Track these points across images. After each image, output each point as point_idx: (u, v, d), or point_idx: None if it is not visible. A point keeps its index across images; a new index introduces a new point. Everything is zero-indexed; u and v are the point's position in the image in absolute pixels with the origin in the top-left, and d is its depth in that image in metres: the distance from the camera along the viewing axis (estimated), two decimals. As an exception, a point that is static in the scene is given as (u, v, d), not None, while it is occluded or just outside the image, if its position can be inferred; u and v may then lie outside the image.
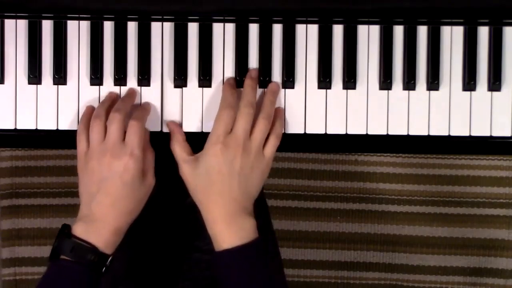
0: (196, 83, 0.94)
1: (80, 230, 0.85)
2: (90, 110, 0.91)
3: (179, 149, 0.89)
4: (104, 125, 0.87)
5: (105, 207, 0.85)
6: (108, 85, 0.94)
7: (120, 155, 0.86)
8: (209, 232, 0.87)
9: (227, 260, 0.85)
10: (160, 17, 0.93)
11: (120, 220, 0.86)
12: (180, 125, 0.92)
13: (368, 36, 0.94)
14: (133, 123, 0.87)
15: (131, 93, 0.93)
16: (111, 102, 0.91)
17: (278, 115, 0.92)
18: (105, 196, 0.85)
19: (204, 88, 0.94)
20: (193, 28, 0.94)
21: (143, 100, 0.93)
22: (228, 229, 0.85)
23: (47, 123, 0.93)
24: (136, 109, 0.90)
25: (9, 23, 0.93)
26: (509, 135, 0.94)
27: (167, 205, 1.02)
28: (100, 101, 0.92)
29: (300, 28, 0.94)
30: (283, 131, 0.91)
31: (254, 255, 0.85)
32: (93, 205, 0.86)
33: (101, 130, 0.87)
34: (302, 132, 0.94)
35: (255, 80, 0.92)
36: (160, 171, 0.91)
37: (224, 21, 0.94)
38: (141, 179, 0.87)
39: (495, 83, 0.94)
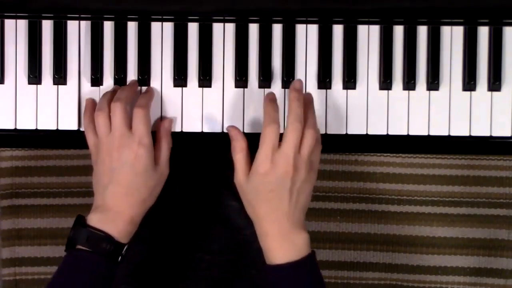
0: (196, 83, 0.94)
1: (95, 220, 0.85)
2: (91, 103, 0.92)
3: (241, 158, 0.87)
4: (108, 117, 0.87)
5: (118, 197, 0.85)
6: (108, 85, 0.94)
7: (129, 145, 0.85)
8: (261, 246, 0.86)
9: (276, 275, 0.84)
10: (160, 17, 0.94)
11: (134, 209, 0.86)
12: (239, 129, 0.90)
13: (368, 36, 0.94)
14: (138, 111, 0.87)
15: (132, 82, 0.93)
16: (113, 93, 0.91)
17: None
18: (118, 186, 0.85)
19: (204, 88, 0.94)
20: (193, 28, 0.94)
21: (143, 100, 0.93)
22: (279, 245, 0.84)
23: (47, 123, 0.93)
24: (140, 96, 0.90)
25: (9, 23, 0.93)
26: (509, 135, 0.94)
27: (169, 205, 1.02)
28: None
29: (300, 28, 0.94)
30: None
31: (304, 271, 0.85)
32: (106, 196, 0.86)
33: (106, 122, 0.87)
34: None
35: (301, 92, 0.88)
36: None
37: (224, 21, 0.94)
38: (153, 167, 0.87)
39: (495, 83, 0.94)
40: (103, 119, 0.87)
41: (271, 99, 0.88)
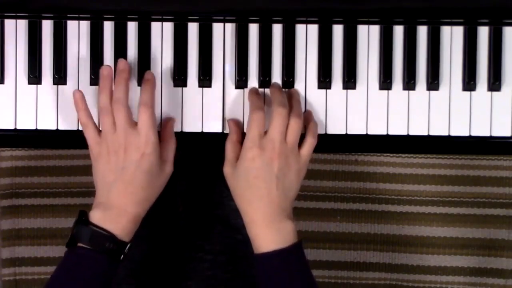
0: (196, 83, 0.94)
1: (97, 217, 0.85)
2: (82, 98, 0.89)
3: (230, 148, 0.90)
4: (112, 116, 0.87)
5: (123, 195, 0.86)
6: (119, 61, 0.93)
7: (136, 144, 0.85)
8: (248, 234, 0.87)
9: (264, 264, 0.85)
10: (160, 17, 0.93)
11: (138, 207, 0.87)
12: (239, 124, 0.92)
13: (368, 36, 0.94)
14: (143, 110, 0.86)
15: (122, 69, 0.89)
16: (110, 85, 0.88)
17: (310, 116, 0.92)
18: (124, 184, 0.86)
19: (204, 88, 0.94)
20: (193, 28, 0.94)
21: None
22: (266, 232, 0.85)
23: (47, 123, 0.93)
24: (142, 91, 0.88)
25: (9, 23, 0.93)
26: (509, 135, 0.94)
27: (170, 205, 1.02)
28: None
29: (300, 28, 0.94)
30: (317, 132, 0.91)
31: (291, 259, 0.85)
32: (111, 194, 0.86)
33: (112, 122, 0.87)
34: (302, 132, 0.94)
35: (280, 87, 0.92)
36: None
37: (224, 21, 0.94)
38: (159, 165, 0.88)
39: (495, 83, 0.94)
40: (108, 118, 0.87)
41: (254, 91, 0.91)
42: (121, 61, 0.90)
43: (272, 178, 0.85)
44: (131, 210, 0.86)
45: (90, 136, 0.89)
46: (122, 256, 0.85)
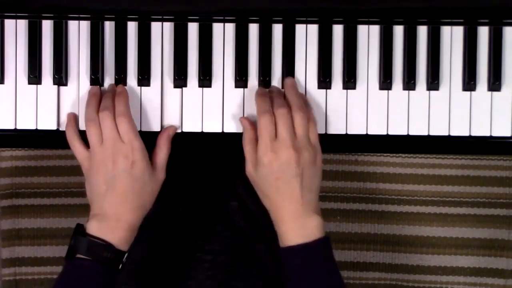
0: (196, 83, 0.94)
1: (94, 228, 0.86)
2: (73, 117, 0.92)
3: (250, 150, 0.89)
4: (99, 126, 0.87)
5: (117, 204, 0.86)
6: (108, 85, 0.93)
7: (124, 152, 0.86)
8: (276, 231, 0.88)
9: (288, 257, 0.86)
10: (160, 17, 0.94)
11: (133, 215, 0.87)
12: (252, 121, 0.92)
13: (368, 36, 0.94)
14: (120, 120, 0.87)
15: (112, 89, 0.92)
16: (97, 100, 0.91)
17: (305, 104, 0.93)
18: (115, 194, 0.86)
19: (204, 88, 0.94)
20: (193, 28, 0.94)
21: (143, 101, 0.93)
22: (291, 228, 0.86)
23: (47, 123, 0.93)
24: (116, 103, 0.89)
25: (9, 23, 0.93)
26: (509, 135, 0.94)
27: (170, 205, 1.02)
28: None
29: (300, 28, 0.94)
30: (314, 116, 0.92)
31: (316, 254, 0.86)
32: (105, 205, 0.86)
33: (99, 132, 0.87)
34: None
35: (277, 90, 0.93)
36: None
37: (224, 21, 0.94)
38: (150, 171, 0.88)
39: (495, 83, 0.94)
40: (95, 129, 0.87)
41: (260, 94, 0.91)
42: (120, 86, 0.93)
43: (292, 177, 0.86)
44: (126, 218, 0.86)
45: (78, 151, 0.89)
46: (120, 266, 0.86)
